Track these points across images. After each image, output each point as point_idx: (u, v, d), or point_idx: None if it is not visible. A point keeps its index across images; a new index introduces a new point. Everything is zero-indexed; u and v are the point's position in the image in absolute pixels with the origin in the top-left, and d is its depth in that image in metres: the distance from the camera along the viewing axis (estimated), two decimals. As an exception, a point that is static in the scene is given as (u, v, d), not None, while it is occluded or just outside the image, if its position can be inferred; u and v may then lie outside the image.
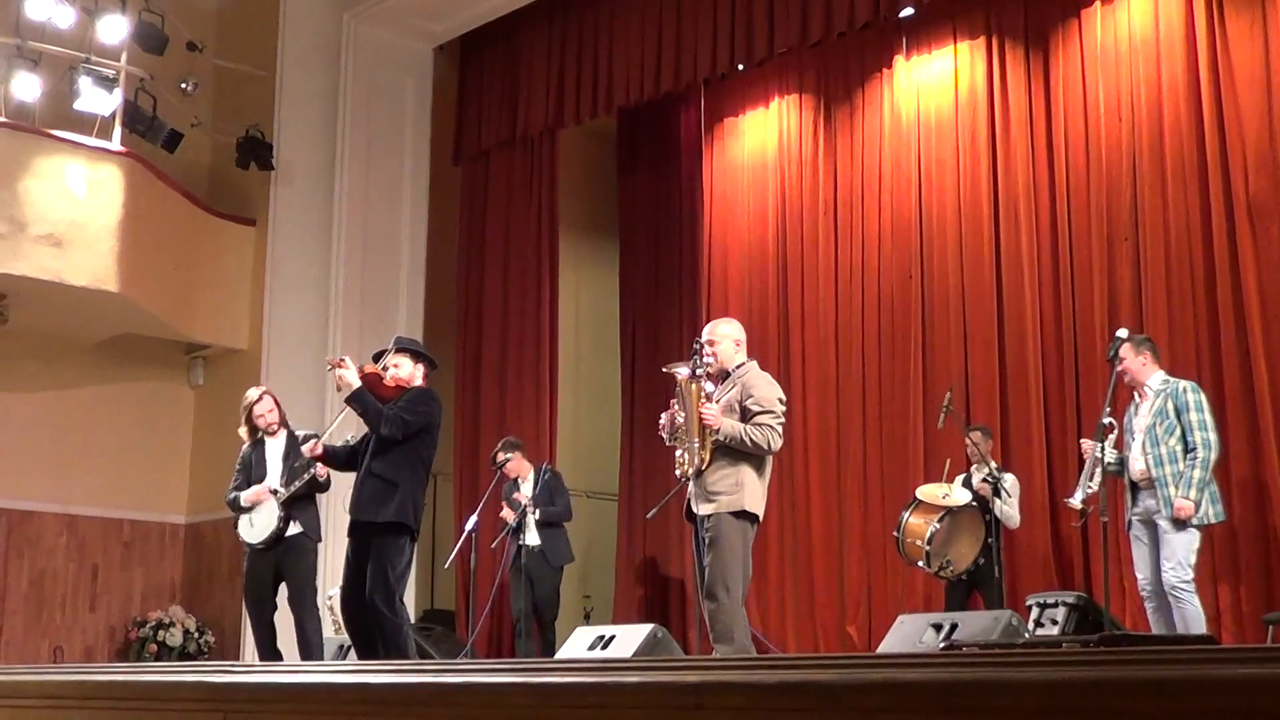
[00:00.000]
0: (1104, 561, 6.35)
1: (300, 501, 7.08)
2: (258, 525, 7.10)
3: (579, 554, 11.28)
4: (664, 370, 6.18)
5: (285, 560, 7.09)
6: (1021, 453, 8.29)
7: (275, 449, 7.23)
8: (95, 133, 9.53)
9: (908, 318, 9.13)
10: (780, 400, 5.84)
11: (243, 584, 7.33)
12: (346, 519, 6.13)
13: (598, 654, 6.69)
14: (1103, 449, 6.33)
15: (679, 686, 1.91)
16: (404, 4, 10.50)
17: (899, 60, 9.49)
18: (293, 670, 3.65)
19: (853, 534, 9.16)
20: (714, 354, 5.88)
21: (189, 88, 10.13)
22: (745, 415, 5.75)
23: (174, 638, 9.99)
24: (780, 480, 8.74)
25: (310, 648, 7.07)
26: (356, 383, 5.83)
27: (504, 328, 10.67)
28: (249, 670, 2.98)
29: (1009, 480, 7.70)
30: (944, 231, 9.02)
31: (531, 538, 8.69)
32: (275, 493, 7.07)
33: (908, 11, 9.06)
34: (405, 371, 6.07)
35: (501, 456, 8.83)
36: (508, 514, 8.68)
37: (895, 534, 7.70)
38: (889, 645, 6.40)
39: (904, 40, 9.46)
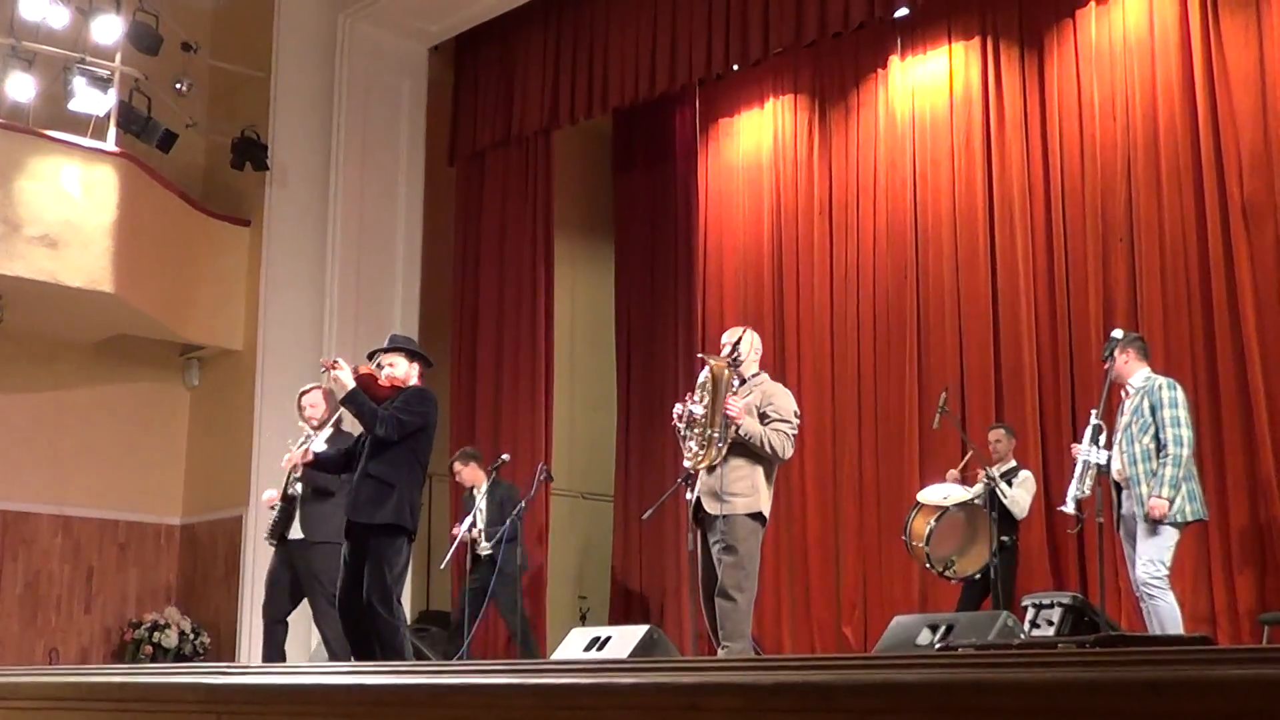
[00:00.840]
0: (1099, 562, 6.35)
1: (309, 504, 6.94)
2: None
3: (575, 555, 11.26)
4: (698, 356, 6.25)
5: (295, 565, 7.01)
6: (1017, 452, 8.28)
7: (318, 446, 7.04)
8: (90, 133, 9.50)
9: (903, 318, 9.14)
10: (796, 414, 5.99)
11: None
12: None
13: (593, 655, 6.68)
14: (1092, 452, 6.32)
15: (675, 687, 1.92)
16: (399, 4, 10.48)
17: (894, 61, 9.50)
18: (289, 671, 3.65)
19: (848, 534, 9.17)
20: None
21: (184, 88, 10.09)
22: (763, 421, 5.87)
23: (169, 639, 9.96)
24: (776, 480, 8.72)
25: (335, 656, 6.87)
26: (351, 384, 5.83)
27: (499, 327, 10.65)
28: (245, 671, 2.97)
29: (1023, 475, 7.72)
30: (939, 232, 9.03)
31: (484, 548, 8.49)
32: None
33: (902, 12, 9.07)
34: (400, 370, 6.07)
35: (457, 467, 8.84)
36: (458, 529, 8.48)
37: (903, 537, 7.74)
38: (885, 646, 6.40)
39: (899, 41, 9.47)
